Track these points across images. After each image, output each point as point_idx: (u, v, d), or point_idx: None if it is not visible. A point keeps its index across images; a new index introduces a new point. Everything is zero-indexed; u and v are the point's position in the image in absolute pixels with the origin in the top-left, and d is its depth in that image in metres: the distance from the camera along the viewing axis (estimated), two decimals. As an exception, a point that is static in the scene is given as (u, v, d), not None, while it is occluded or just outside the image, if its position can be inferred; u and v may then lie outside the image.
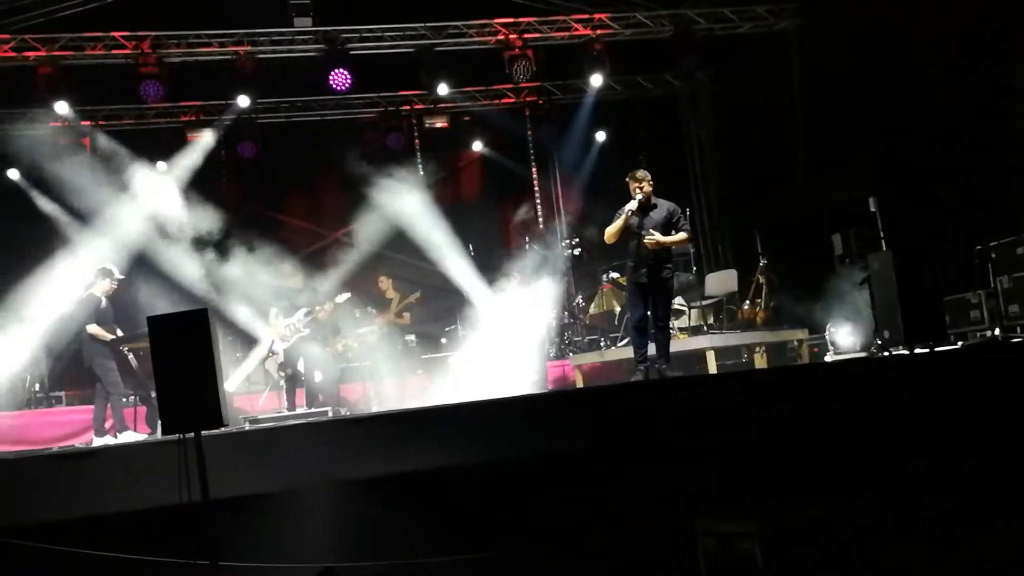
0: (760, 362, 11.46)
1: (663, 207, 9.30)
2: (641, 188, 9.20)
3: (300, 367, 11.32)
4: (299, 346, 11.24)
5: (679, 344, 11.18)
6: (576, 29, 15.01)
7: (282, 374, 11.77)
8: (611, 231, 9.27)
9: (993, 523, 6.23)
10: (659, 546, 6.29)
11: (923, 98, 11.85)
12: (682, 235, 9.32)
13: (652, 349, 9.42)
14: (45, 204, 14.29)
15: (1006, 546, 6.00)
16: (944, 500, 6.14)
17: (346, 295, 11.97)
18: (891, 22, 12.22)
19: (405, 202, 14.40)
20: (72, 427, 11.74)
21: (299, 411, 10.77)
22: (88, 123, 14.78)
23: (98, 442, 10.09)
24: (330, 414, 10.32)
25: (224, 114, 15.35)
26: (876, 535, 5.95)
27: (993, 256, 10.73)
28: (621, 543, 6.38)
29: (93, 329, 10.42)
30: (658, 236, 9.07)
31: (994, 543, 5.96)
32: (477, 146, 17.14)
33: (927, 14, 11.75)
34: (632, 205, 9.13)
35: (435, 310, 15.32)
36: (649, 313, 9.36)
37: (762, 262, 13.14)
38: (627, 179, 9.31)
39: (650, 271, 9.14)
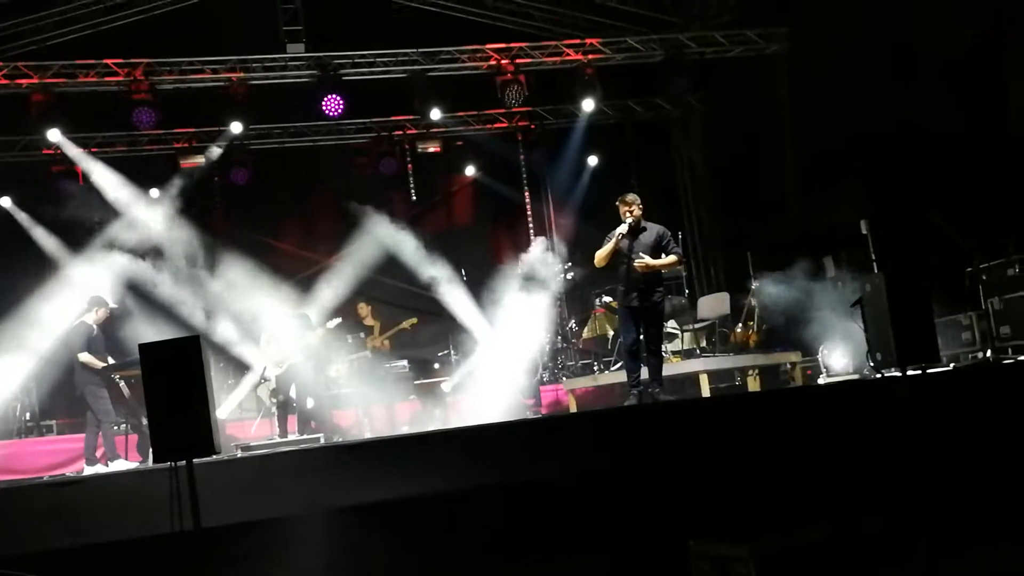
0: (753, 385, 11.46)
1: (653, 230, 9.32)
2: (631, 211, 9.22)
3: (292, 393, 11.29)
4: (291, 372, 11.21)
5: (672, 368, 11.17)
6: (567, 54, 15.08)
7: (274, 400, 11.73)
8: (601, 255, 9.29)
9: (987, 544, 6.23)
10: (653, 570, 6.26)
11: (913, 121, 11.92)
12: (672, 258, 9.33)
13: (645, 373, 9.41)
14: (37, 232, 14.27)
15: (1002, 568, 5.99)
16: (939, 521, 6.13)
17: (337, 320, 11.96)
18: (881, 46, 12.31)
19: (397, 228, 14.43)
20: (63, 456, 11.68)
21: (291, 438, 10.72)
22: (81, 150, 14.75)
23: (89, 471, 10.04)
24: (322, 440, 10.29)
25: (217, 140, 15.37)
26: (872, 557, 5.93)
27: (984, 278, 10.77)
28: (615, 567, 6.36)
29: (85, 357, 10.38)
30: (648, 259, 9.09)
31: (990, 564, 5.95)
32: (470, 171, 17.17)
33: (917, 37, 11.85)
34: (623, 228, 9.15)
35: (428, 335, 15.31)
36: (642, 337, 9.36)
37: (754, 285, 13.15)
38: (617, 203, 9.33)
39: (641, 295, 9.15)
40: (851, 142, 12.84)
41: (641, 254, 9.11)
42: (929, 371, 7.24)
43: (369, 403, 12.22)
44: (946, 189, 11.50)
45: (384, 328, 12.67)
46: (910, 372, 7.08)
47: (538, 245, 13.93)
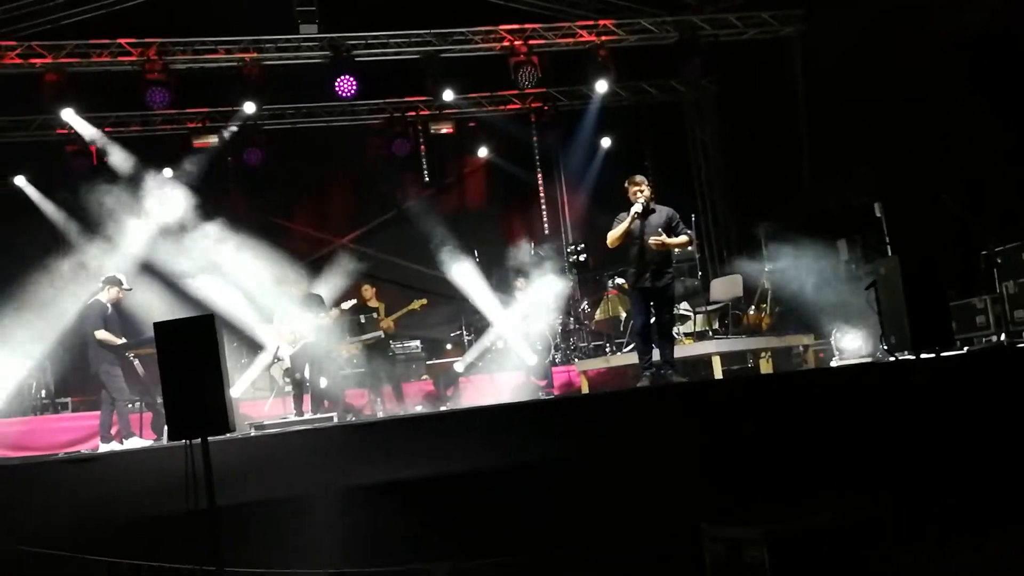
0: (766, 367, 11.45)
1: (662, 212, 9.32)
2: (641, 192, 9.21)
3: (306, 373, 11.32)
4: (305, 351, 11.25)
5: (685, 349, 11.17)
6: (581, 35, 15.03)
7: (288, 380, 11.77)
8: (613, 236, 9.28)
9: (1001, 528, 6.22)
10: (666, 552, 6.28)
11: (928, 103, 11.84)
12: (684, 238, 9.42)
13: (657, 355, 9.42)
14: (51, 211, 14.32)
15: (1012, 550, 5.99)
16: (953, 504, 6.12)
17: (352, 301, 11.98)
18: (896, 27, 12.21)
19: (410, 208, 14.43)
20: (78, 433, 11.74)
21: (305, 416, 10.77)
22: (95, 129, 14.79)
23: (104, 448, 10.09)
24: (336, 419, 10.33)
25: (230, 121, 15.38)
26: (885, 540, 5.93)
27: (999, 261, 10.71)
28: (628, 549, 6.37)
29: (102, 335, 10.43)
30: (664, 237, 9.09)
31: (1002, 548, 5.95)
32: (482, 152, 17.16)
33: (933, 18, 11.75)
34: (637, 208, 9.14)
35: (440, 316, 15.34)
36: (653, 319, 9.36)
37: (767, 267, 13.12)
38: (626, 184, 9.32)
39: (653, 275, 9.16)
40: (865, 124, 12.77)
41: (656, 232, 9.10)
42: (943, 355, 7.21)
43: (382, 383, 12.26)
44: (961, 172, 11.43)
45: (389, 310, 12.68)
46: (924, 356, 7.05)
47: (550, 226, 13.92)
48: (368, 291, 12.86)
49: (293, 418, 10.83)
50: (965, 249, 11.12)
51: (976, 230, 10.76)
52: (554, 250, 15.67)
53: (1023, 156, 11.26)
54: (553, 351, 13.56)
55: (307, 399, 11.42)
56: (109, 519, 6.05)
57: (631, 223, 9.15)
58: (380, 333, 12.31)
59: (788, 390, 7.83)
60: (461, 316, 14.62)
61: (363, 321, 12.31)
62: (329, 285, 13.54)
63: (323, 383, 11.34)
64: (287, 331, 11.30)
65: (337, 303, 11.97)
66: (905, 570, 5.89)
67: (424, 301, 13.09)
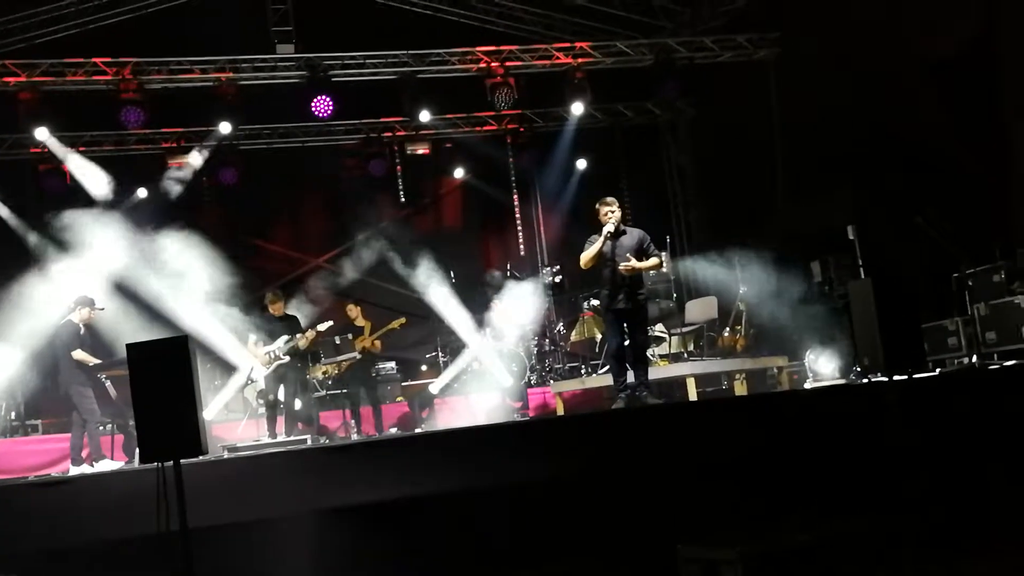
0: (740, 389, 11.48)
1: (633, 234, 9.39)
2: (613, 213, 9.26)
3: (280, 395, 11.25)
4: (279, 373, 11.18)
5: (660, 371, 11.19)
6: (557, 58, 15.11)
7: (261, 402, 11.69)
8: (587, 257, 9.33)
9: (974, 547, 6.25)
10: (642, 574, 6.27)
11: (901, 126, 11.98)
12: (655, 260, 9.49)
13: (631, 377, 9.43)
14: (23, 230, 14.20)
15: (988, 572, 6.02)
16: (928, 526, 6.15)
17: (328, 323, 11.92)
18: (870, 51, 12.36)
19: (384, 229, 14.41)
20: (48, 456, 11.61)
21: (279, 439, 10.69)
22: (69, 149, 14.70)
23: (75, 471, 10.00)
24: (309, 442, 10.26)
25: (205, 140, 15.33)
26: (861, 560, 5.95)
27: (970, 283, 10.83)
28: (604, 571, 6.36)
29: (79, 355, 10.34)
30: (634, 262, 9.14)
31: (978, 569, 5.98)
32: (459, 173, 17.17)
33: (906, 43, 11.90)
34: (609, 228, 9.19)
35: (415, 337, 15.30)
36: (627, 342, 9.39)
37: (742, 289, 13.19)
38: (597, 205, 9.39)
39: (626, 297, 9.19)
40: (839, 147, 12.89)
41: (625, 256, 9.15)
42: (915, 376, 7.25)
43: (357, 405, 12.20)
44: (933, 194, 11.55)
45: (375, 329, 12.64)
46: (896, 378, 7.10)
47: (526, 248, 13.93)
48: (353, 310, 12.80)
49: (267, 440, 10.76)
50: (937, 271, 11.22)
51: (948, 252, 10.87)
52: (529, 272, 15.67)
53: (995, 179, 11.40)
54: (528, 373, 13.54)
55: (280, 421, 11.34)
56: (80, 542, 5.98)
57: (603, 244, 9.19)
58: (356, 354, 12.26)
59: (762, 412, 7.85)
60: (436, 337, 14.59)
61: (338, 342, 12.25)
62: (305, 305, 13.50)
63: (297, 405, 11.26)
64: (261, 352, 11.23)
65: (313, 324, 11.90)
66: (881, 590, 5.91)
67: (403, 320, 13.06)
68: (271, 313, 11.47)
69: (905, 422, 6.66)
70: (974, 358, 10.62)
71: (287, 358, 11.11)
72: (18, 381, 12.39)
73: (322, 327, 11.71)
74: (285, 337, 11.16)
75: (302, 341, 11.22)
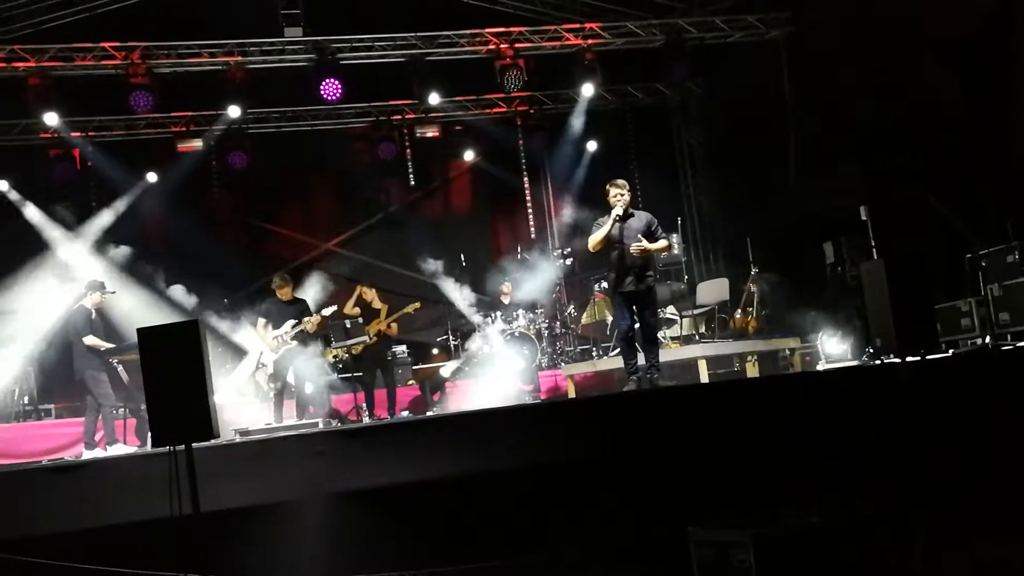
0: (752, 371, 11.45)
1: (641, 217, 9.33)
2: (623, 196, 9.21)
3: (290, 379, 11.26)
4: (288, 357, 11.18)
5: (671, 353, 11.17)
6: (567, 39, 15.03)
7: (271, 386, 11.69)
8: (595, 240, 9.28)
9: (987, 530, 6.23)
10: (653, 556, 6.27)
11: (914, 106, 11.89)
12: (664, 242, 9.47)
13: (642, 359, 9.41)
14: (34, 215, 14.23)
15: (1001, 553, 6.00)
16: (941, 507, 6.13)
17: (332, 308, 11.89)
18: (882, 30, 12.26)
19: (394, 212, 14.39)
20: (61, 440, 11.66)
21: (289, 423, 10.70)
22: (78, 134, 14.72)
23: (88, 455, 10.03)
24: (320, 426, 10.27)
25: (214, 124, 15.32)
26: (873, 543, 5.93)
27: (984, 264, 10.75)
28: (614, 553, 6.36)
29: (91, 341, 10.36)
30: (645, 243, 9.10)
31: (991, 550, 5.95)
32: (469, 155, 17.12)
33: (919, 21, 11.80)
34: (618, 211, 9.14)
35: (426, 320, 15.30)
36: (637, 324, 9.36)
37: (754, 271, 13.14)
38: (608, 186, 9.32)
39: (635, 279, 9.16)
40: (851, 127, 12.81)
41: (636, 238, 9.12)
42: (928, 357, 7.22)
43: (371, 388, 12.19)
44: (946, 174, 11.47)
45: (391, 312, 12.63)
46: (909, 359, 7.06)
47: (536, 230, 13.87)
48: (369, 293, 12.74)
49: (277, 424, 10.76)
50: (950, 252, 11.16)
51: (962, 233, 10.80)
52: (540, 254, 15.63)
53: (1009, 158, 11.31)
54: (539, 355, 13.53)
55: (289, 405, 11.34)
56: (93, 526, 6.01)
57: (611, 228, 9.15)
58: (365, 338, 12.24)
59: (774, 393, 7.83)
60: (447, 321, 14.59)
61: (348, 326, 12.23)
62: (314, 289, 13.49)
63: (308, 389, 11.27)
64: (269, 336, 11.22)
65: (319, 308, 11.88)
66: (893, 573, 5.89)
67: (418, 304, 13.03)
68: (279, 297, 11.44)
69: (918, 403, 6.62)
70: (987, 339, 10.56)
71: (294, 342, 11.10)
72: (31, 366, 12.45)
73: (327, 311, 11.68)
74: (292, 321, 11.14)
75: (308, 325, 11.20)
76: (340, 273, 15.37)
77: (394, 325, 12.42)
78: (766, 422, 7.12)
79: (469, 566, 6.15)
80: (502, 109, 17.05)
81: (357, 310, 12.21)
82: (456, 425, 7.48)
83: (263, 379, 12.40)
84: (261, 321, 11.32)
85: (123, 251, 13.24)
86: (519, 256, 14.81)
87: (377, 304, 12.56)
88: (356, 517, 6.29)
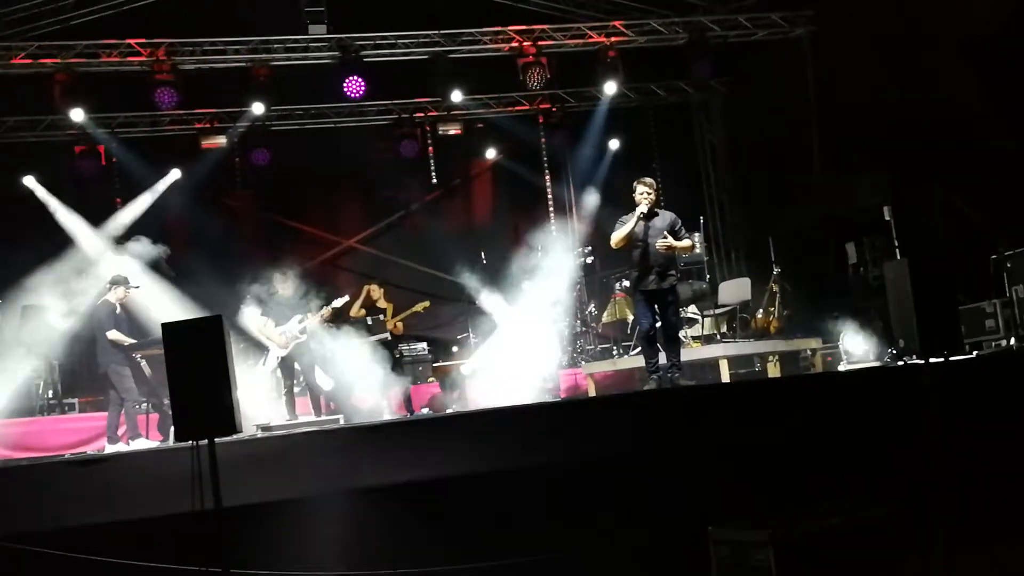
0: (773, 371, 11.42)
1: (665, 216, 9.32)
2: (648, 195, 9.20)
3: (299, 375, 11.28)
4: (297, 353, 11.15)
5: (692, 352, 11.15)
6: (590, 36, 15.01)
7: (287, 384, 11.68)
8: (618, 237, 9.27)
9: (1011, 533, 6.19)
10: (672, 555, 6.26)
11: (938, 105, 11.80)
12: (688, 242, 9.51)
13: (663, 358, 9.39)
14: (59, 211, 14.34)
15: (1021, 556, 5.96)
16: (962, 509, 6.09)
17: (344, 298, 11.88)
18: (907, 27, 12.18)
19: (416, 210, 14.41)
20: (84, 434, 11.75)
21: (308, 418, 10.70)
22: (103, 130, 14.83)
23: (110, 449, 10.10)
24: (342, 422, 10.30)
25: (238, 121, 15.40)
26: (893, 545, 5.91)
27: (1008, 265, 10.68)
28: (634, 552, 6.35)
29: (114, 335, 10.44)
30: (671, 240, 9.08)
31: (1013, 554, 5.92)
32: (490, 153, 17.13)
33: (944, 19, 11.71)
34: (642, 209, 9.13)
35: (446, 318, 15.32)
36: (658, 323, 9.34)
37: (776, 270, 13.09)
38: (635, 183, 9.30)
39: (657, 278, 9.14)
40: (875, 126, 12.72)
41: (661, 235, 9.10)
42: (952, 359, 7.17)
43: (388, 385, 12.20)
44: (971, 174, 11.39)
45: (397, 311, 12.64)
46: (932, 360, 7.02)
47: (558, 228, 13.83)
48: (376, 291, 12.78)
49: (301, 419, 10.77)
50: (975, 253, 11.08)
51: (986, 233, 10.72)
52: (561, 251, 15.59)
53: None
54: (560, 354, 13.52)
55: (302, 403, 11.36)
56: (115, 520, 6.04)
57: (634, 225, 9.14)
58: (387, 335, 12.27)
59: (796, 394, 7.80)
60: (467, 318, 14.60)
61: (370, 323, 12.26)
62: (328, 286, 13.47)
63: (328, 385, 11.28)
64: (275, 334, 11.20)
65: (329, 302, 11.86)
66: (915, 574, 5.86)
67: (427, 303, 13.04)
68: (281, 293, 11.42)
69: (941, 405, 6.58)
70: (1012, 341, 10.48)
71: (304, 336, 11.08)
72: (56, 360, 12.55)
73: (338, 303, 11.67)
74: (299, 316, 11.14)
75: (317, 318, 11.19)
76: (361, 270, 15.42)
77: (400, 324, 12.43)
78: (787, 422, 7.09)
79: (485, 564, 6.16)
80: (524, 107, 17.05)
81: (363, 311, 12.23)
82: (474, 423, 7.49)
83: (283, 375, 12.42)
84: (262, 318, 11.28)
85: (146, 246, 13.29)
86: (539, 253, 14.79)
87: (383, 303, 12.57)
88: (376, 513, 6.30)
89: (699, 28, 14.98)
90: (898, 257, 11.33)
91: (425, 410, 12.46)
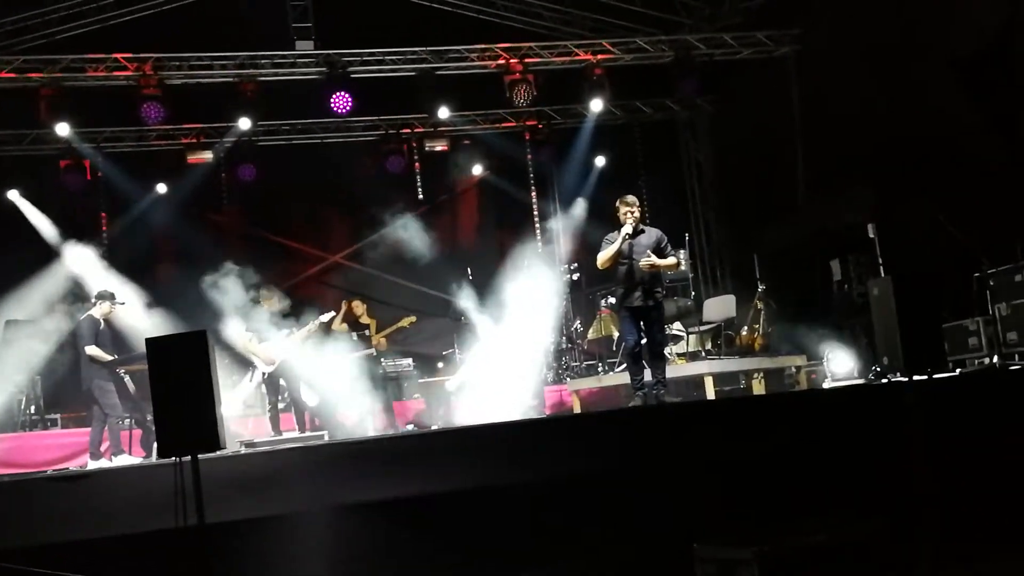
0: (758, 388, 11.43)
1: (651, 233, 9.35)
2: (632, 213, 9.22)
3: (285, 392, 11.24)
4: (282, 370, 11.12)
5: (677, 369, 11.15)
6: (576, 54, 15.08)
7: (272, 399, 11.64)
8: (604, 257, 9.29)
9: (992, 549, 6.21)
10: (658, 572, 6.25)
11: (922, 124, 11.88)
12: (673, 259, 9.48)
13: (648, 375, 9.40)
14: (43, 226, 14.29)
15: (1005, 572, 5.97)
16: (946, 525, 6.11)
17: (330, 314, 11.87)
18: (891, 47, 12.27)
19: (404, 226, 14.38)
20: (67, 450, 11.67)
21: (292, 435, 10.67)
22: (89, 145, 14.80)
23: (93, 465, 10.04)
24: (326, 438, 10.27)
25: (225, 137, 15.38)
26: (876, 561, 5.91)
27: (991, 283, 10.73)
28: (619, 568, 6.34)
29: (93, 351, 10.38)
30: (655, 259, 9.10)
31: (995, 568, 5.93)
32: (477, 170, 17.15)
33: (928, 38, 11.80)
34: (627, 229, 9.15)
35: (431, 333, 15.29)
36: (643, 340, 9.35)
37: (760, 288, 13.13)
38: (618, 203, 9.33)
39: (643, 295, 9.15)
40: (861, 144, 12.80)
41: (645, 253, 9.12)
42: (935, 376, 7.20)
43: (373, 401, 12.18)
44: (955, 192, 11.46)
45: (380, 326, 12.62)
46: (916, 377, 7.05)
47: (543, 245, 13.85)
48: (359, 307, 12.78)
49: (286, 435, 10.73)
50: (958, 270, 11.14)
51: (970, 251, 10.78)
52: (546, 268, 15.61)
53: (1018, 177, 11.29)
54: (545, 370, 13.51)
55: (286, 418, 11.31)
56: (97, 537, 6.00)
57: (621, 244, 9.16)
58: (372, 350, 12.25)
59: (780, 411, 7.81)
60: (453, 334, 14.57)
61: (355, 338, 12.24)
62: (316, 301, 13.46)
63: (313, 401, 11.25)
64: (259, 349, 11.17)
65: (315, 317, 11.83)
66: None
67: (413, 319, 13.03)
68: (266, 309, 11.39)
69: (925, 422, 6.61)
70: (995, 358, 10.53)
71: (288, 355, 11.05)
72: (38, 375, 12.47)
73: (324, 318, 11.66)
74: (285, 331, 11.12)
75: (303, 333, 11.16)
76: (347, 286, 15.40)
77: (383, 340, 12.41)
78: (771, 439, 7.10)
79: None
80: (511, 124, 17.10)
81: (345, 326, 12.21)
82: (461, 439, 7.48)
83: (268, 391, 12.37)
84: (247, 334, 11.25)
85: (131, 261, 13.28)
86: (525, 270, 14.79)
87: (366, 319, 12.56)
88: (361, 530, 6.28)
89: (685, 46, 15.07)
90: (882, 274, 11.38)
91: (410, 426, 12.43)
